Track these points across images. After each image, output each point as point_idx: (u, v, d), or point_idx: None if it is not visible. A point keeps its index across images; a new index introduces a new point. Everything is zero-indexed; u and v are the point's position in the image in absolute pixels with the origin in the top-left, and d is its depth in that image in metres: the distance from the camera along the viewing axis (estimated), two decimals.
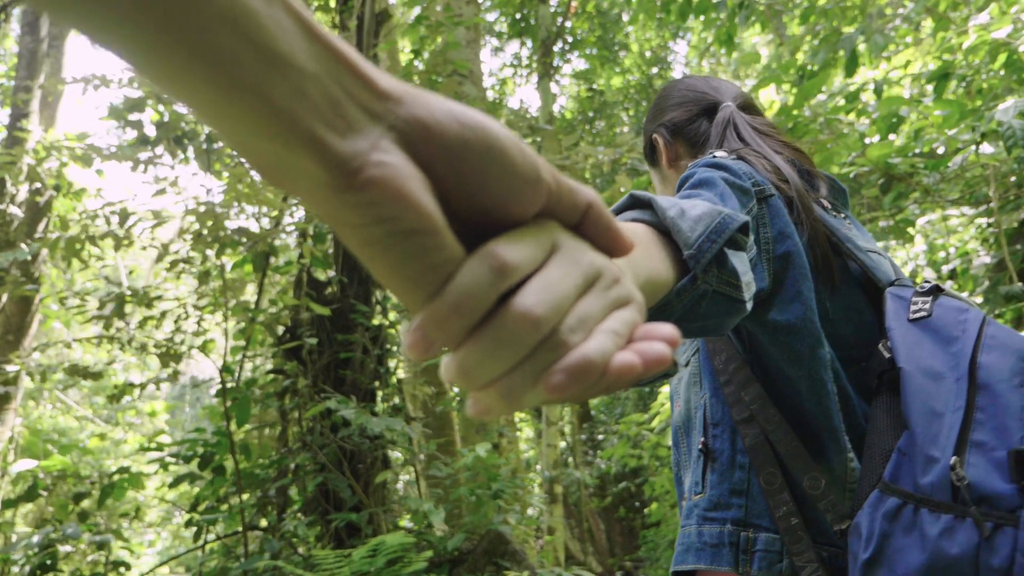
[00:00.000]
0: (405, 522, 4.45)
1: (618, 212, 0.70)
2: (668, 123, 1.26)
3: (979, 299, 4.29)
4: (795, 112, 2.68)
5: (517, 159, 0.36)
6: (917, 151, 3.04)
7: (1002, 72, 3.37)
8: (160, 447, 4.76)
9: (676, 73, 13.52)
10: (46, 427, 8.84)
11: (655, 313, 0.64)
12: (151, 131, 4.69)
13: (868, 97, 3.67)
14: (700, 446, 1.08)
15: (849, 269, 1.06)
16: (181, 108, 5.29)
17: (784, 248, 0.96)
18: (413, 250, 0.33)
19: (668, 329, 0.38)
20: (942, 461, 0.82)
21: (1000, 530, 0.77)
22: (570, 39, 10.78)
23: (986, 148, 2.82)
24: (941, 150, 3.10)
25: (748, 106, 1.24)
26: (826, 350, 0.97)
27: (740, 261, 0.72)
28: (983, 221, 4.00)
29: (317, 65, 0.31)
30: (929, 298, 0.99)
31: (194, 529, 4.64)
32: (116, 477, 4.91)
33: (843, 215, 1.16)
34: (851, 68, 4.06)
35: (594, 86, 11.98)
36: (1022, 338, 0.93)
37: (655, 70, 12.70)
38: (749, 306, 0.73)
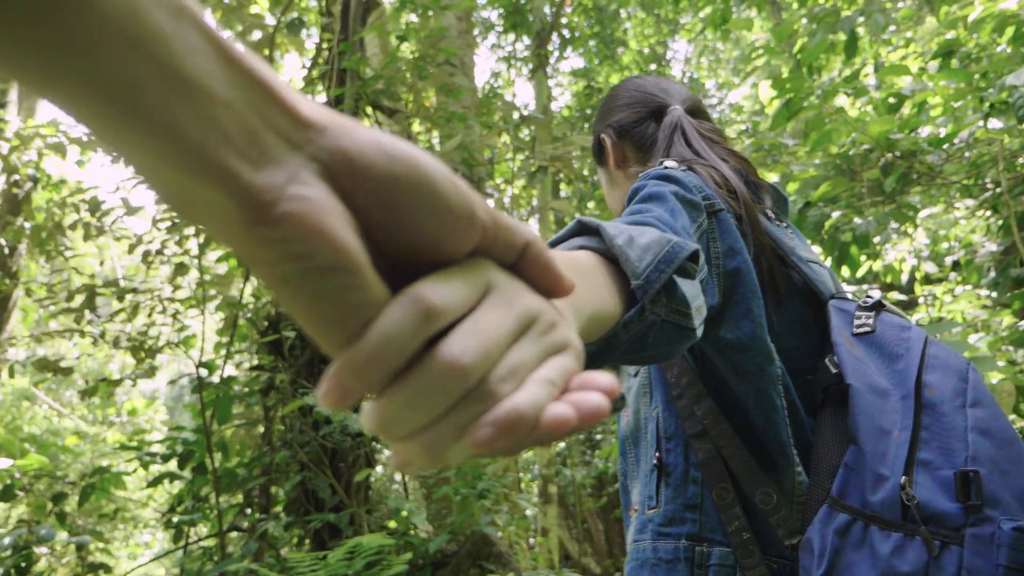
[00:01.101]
0: (393, 523, 4.27)
1: (566, 238, 0.67)
2: (615, 124, 1.24)
3: (984, 291, 4.11)
4: (789, 85, 2.50)
5: (449, 195, 0.33)
6: (921, 131, 2.84)
7: (1008, 49, 3.18)
8: (139, 446, 4.59)
9: (675, 71, 13.37)
10: (41, 427, 8.68)
11: (601, 345, 0.61)
12: None
13: (869, 83, 3.48)
14: (655, 460, 1.06)
15: (793, 281, 1.05)
16: None
17: (734, 264, 0.95)
18: (331, 290, 0.31)
19: (606, 379, 0.36)
20: (891, 479, 0.83)
21: (947, 548, 0.79)
22: (567, 33, 10.61)
23: (994, 124, 2.62)
24: (943, 133, 2.91)
25: (696, 110, 1.21)
26: (776, 366, 0.96)
27: (691, 286, 0.69)
28: (988, 213, 3.81)
29: (231, 91, 0.29)
30: (872, 313, 0.99)
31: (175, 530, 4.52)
32: (96, 477, 4.74)
33: (785, 224, 1.15)
34: (851, 50, 3.87)
35: (592, 83, 11.82)
36: (960, 358, 0.94)
37: (653, 67, 12.54)
38: (700, 332, 0.71)
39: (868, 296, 1.04)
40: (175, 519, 4.18)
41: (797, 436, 0.97)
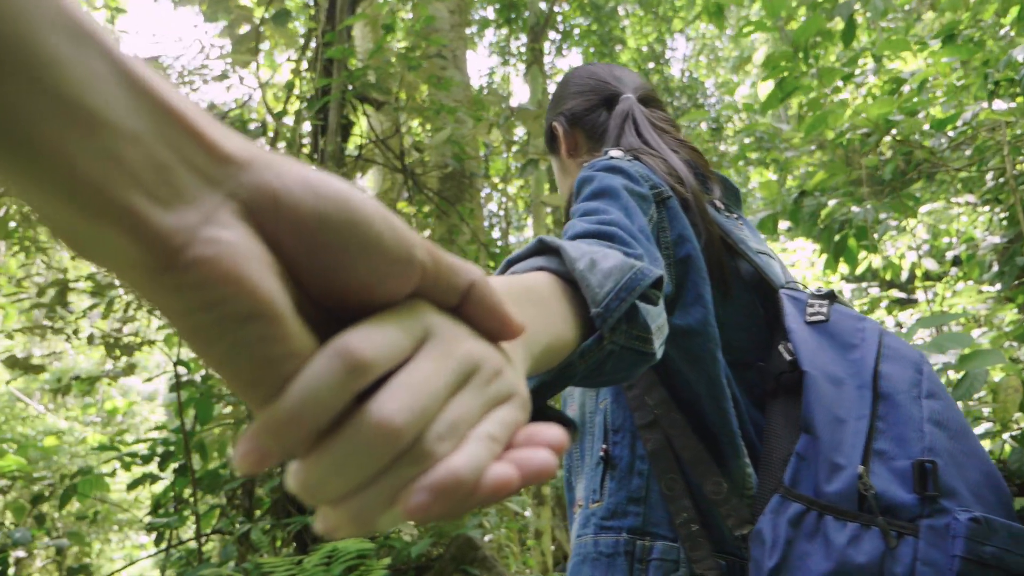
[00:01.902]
0: None
1: (525, 257, 0.63)
2: (567, 112, 1.22)
3: (986, 287, 3.95)
4: (784, 64, 2.35)
5: (384, 236, 0.31)
6: (921, 115, 2.68)
7: (1012, 33, 3.03)
8: (117, 447, 4.46)
9: (675, 70, 13.24)
10: (34, 428, 8.54)
11: (556, 374, 0.58)
12: None
13: (868, 69, 3.33)
14: (601, 453, 1.03)
15: (742, 271, 1.04)
16: None
17: (684, 252, 0.95)
18: (248, 341, 0.28)
19: (554, 433, 0.34)
20: (848, 469, 0.82)
21: (902, 539, 0.78)
22: (562, 28, 10.48)
23: (999, 106, 2.46)
24: (948, 118, 2.75)
25: (648, 99, 1.19)
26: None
27: (653, 309, 0.66)
28: (990, 208, 3.66)
29: (140, 122, 0.26)
30: (826, 302, 0.98)
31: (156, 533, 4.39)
32: (78, 479, 4.61)
33: (735, 215, 1.14)
34: (848, 37, 3.71)
35: None
36: (915, 350, 0.93)
37: (651, 65, 12.41)
38: (660, 353, 0.68)
39: (820, 288, 1.02)
40: (150, 521, 4.02)
41: (741, 428, 0.96)
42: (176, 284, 0.27)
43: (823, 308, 0.98)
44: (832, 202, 2.80)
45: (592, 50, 11.69)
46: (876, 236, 3.04)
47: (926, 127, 2.68)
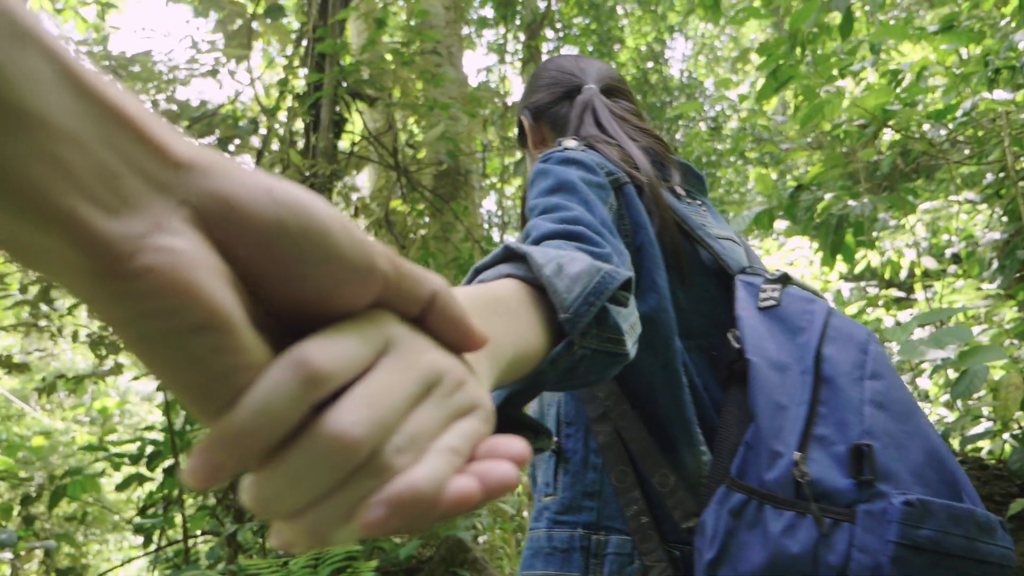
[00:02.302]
0: None
1: (491, 265, 0.62)
2: (531, 106, 1.22)
3: (987, 284, 3.87)
4: (779, 51, 2.27)
5: (344, 244, 0.30)
6: (920, 107, 2.61)
7: (1013, 24, 2.95)
8: (105, 446, 4.39)
9: (674, 69, 13.17)
10: (30, 428, 8.46)
11: (527, 383, 0.57)
12: None
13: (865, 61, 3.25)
14: (553, 445, 0.99)
15: (701, 257, 1.03)
16: (120, 68, 4.93)
17: (639, 238, 0.94)
18: (199, 353, 0.27)
19: (517, 446, 0.33)
20: (786, 456, 0.80)
21: (838, 526, 0.76)
22: (560, 27, 10.41)
23: (1001, 95, 2.39)
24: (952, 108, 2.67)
25: (612, 89, 1.20)
26: (678, 341, 0.94)
27: (624, 311, 0.65)
28: (987, 206, 3.58)
29: (84, 125, 0.25)
30: (778, 286, 0.96)
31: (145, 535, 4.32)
32: (67, 480, 4.54)
33: (699, 202, 1.14)
34: (846, 30, 3.64)
35: None
36: (863, 330, 0.91)
37: (650, 64, 12.35)
38: (633, 351, 0.67)
39: (777, 270, 1.00)
40: (136, 521, 3.94)
41: (700, 415, 0.94)
42: (123, 293, 0.26)
43: (775, 292, 0.95)
44: (828, 196, 2.73)
45: (591, 49, 11.63)
46: (874, 233, 2.97)
47: (925, 127, 2.61)
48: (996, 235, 3.41)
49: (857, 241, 3.27)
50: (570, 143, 1.00)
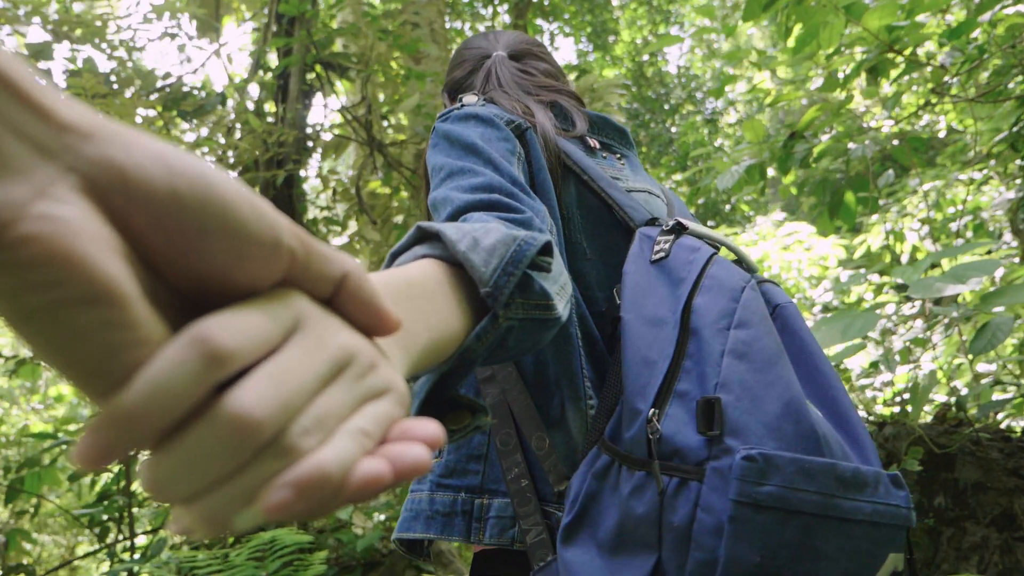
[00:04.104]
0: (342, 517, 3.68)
1: (407, 247, 0.59)
2: (449, 84, 1.22)
3: (999, 255, 3.52)
4: None
5: (247, 218, 0.28)
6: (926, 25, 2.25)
7: None
8: (57, 434, 4.06)
9: (672, 67, 12.88)
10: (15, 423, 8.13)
11: (455, 362, 0.54)
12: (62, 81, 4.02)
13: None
14: (492, 422, 0.94)
15: (609, 208, 0.98)
16: (101, 57, 4.60)
17: (540, 178, 0.93)
18: (88, 327, 0.25)
19: (430, 428, 0.33)
20: (644, 414, 0.77)
21: (685, 486, 0.71)
22: (552, 20, 10.13)
23: None
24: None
25: (522, 53, 1.19)
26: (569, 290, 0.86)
27: (550, 275, 0.63)
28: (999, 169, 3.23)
29: None
30: (671, 237, 0.92)
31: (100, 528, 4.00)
32: (24, 472, 4.23)
33: (618, 155, 1.11)
34: None
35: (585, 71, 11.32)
36: (741, 276, 0.86)
37: (645, 58, 12.05)
38: (566, 313, 0.64)
39: (677, 220, 0.95)
40: (76, 512, 3.61)
41: (597, 370, 0.91)
42: (1, 263, 0.24)
43: (667, 244, 0.90)
44: (825, 137, 2.38)
45: (584, 40, 11.35)
46: (877, 186, 2.62)
47: (942, 59, 2.25)
48: (1010, 195, 3.05)
49: (858, 199, 2.92)
50: (469, 99, 0.99)
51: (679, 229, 0.92)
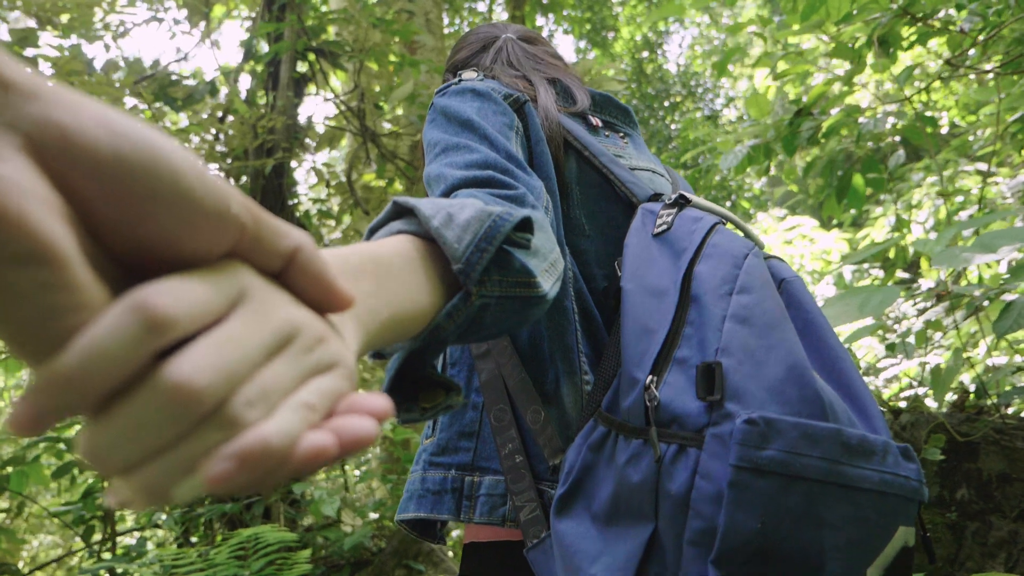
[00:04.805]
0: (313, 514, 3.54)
1: (383, 223, 0.58)
2: (452, 65, 1.19)
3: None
4: None
5: (194, 185, 0.27)
6: None
7: None
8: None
9: (671, 66, 12.77)
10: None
11: (426, 339, 0.53)
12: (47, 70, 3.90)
13: None
14: (463, 400, 0.93)
15: (611, 184, 0.97)
16: (86, 43, 4.48)
17: (539, 151, 0.92)
18: (24, 288, 0.24)
19: (378, 401, 0.32)
20: (642, 382, 0.74)
21: (683, 453, 0.68)
22: (551, 17, 10.03)
23: None
24: None
25: (530, 39, 1.18)
26: (567, 268, 0.90)
27: (540, 242, 0.63)
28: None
29: None
30: (674, 210, 0.90)
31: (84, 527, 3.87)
32: (9, 469, 4.10)
33: (622, 134, 1.09)
34: None
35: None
36: (745, 244, 0.84)
37: (645, 55, 11.94)
38: (553, 291, 0.63)
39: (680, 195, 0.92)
40: (52, 510, 3.48)
41: (593, 346, 0.88)
42: None
43: (669, 217, 0.88)
44: (835, 111, 2.24)
45: (584, 39, 11.24)
46: (888, 165, 2.48)
47: (964, 24, 2.11)
48: None
49: (867, 180, 2.78)
50: (468, 74, 0.97)
51: (682, 202, 0.90)
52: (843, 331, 3.72)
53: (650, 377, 0.73)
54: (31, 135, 0.25)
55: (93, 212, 0.26)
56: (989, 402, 2.03)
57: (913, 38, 2.19)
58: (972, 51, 2.20)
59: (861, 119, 2.27)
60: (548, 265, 0.63)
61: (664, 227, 0.88)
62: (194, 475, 0.27)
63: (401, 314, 0.48)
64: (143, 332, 0.25)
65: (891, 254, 5.22)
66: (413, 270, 0.52)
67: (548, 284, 0.62)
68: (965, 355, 2.69)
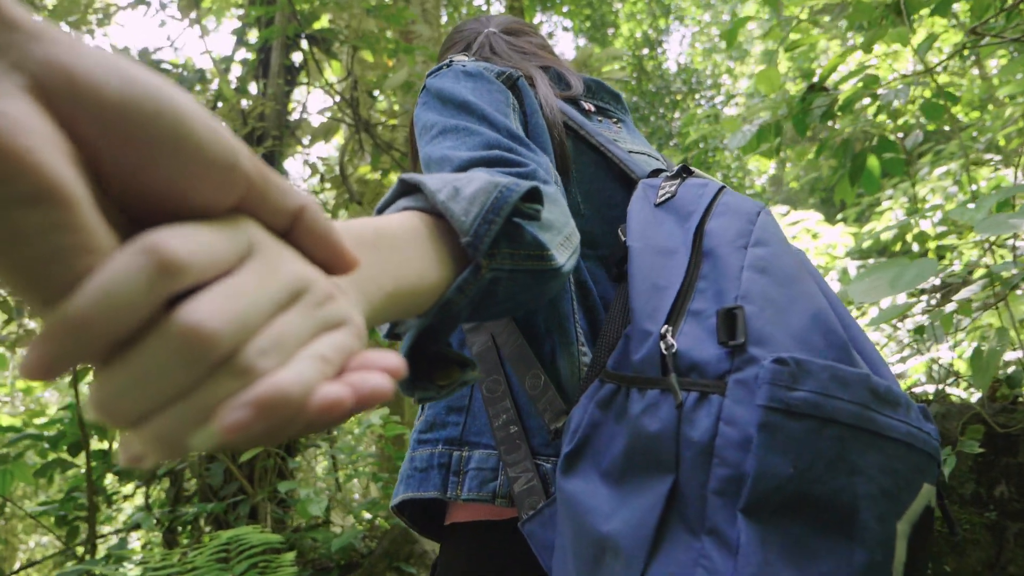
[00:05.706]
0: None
1: (392, 201, 0.57)
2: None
3: None
4: None
5: (202, 135, 0.26)
6: None
7: None
8: (24, 428, 3.77)
9: (671, 65, 12.63)
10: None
11: (437, 315, 0.52)
12: None
13: None
14: (479, 375, 0.87)
15: (608, 164, 0.95)
16: (73, 32, 4.33)
17: (532, 123, 0.91)
18: (31, 228, 0.23)
19: (391, 358, 0.32)
20: (655, 333, 0.70)
21: (705, 399, 0.64)
22: (550, 12, 9.90)
23: None
24: None
25: (514, 30, 1.16)
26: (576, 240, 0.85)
27: (550, 217, 0.62)
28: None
29: None
30: (676, 181, 0.88)
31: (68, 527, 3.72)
32: None
33: (615, 119, 1.09)
34: None
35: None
36: (755, 204, 0.82)
37: (645, 51, 11.80)
38: (570, 264, 0.63)
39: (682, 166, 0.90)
40: (30, 509, 3.32)
41: (590, 320, 0.86)
42: None
43: (672, 187, 0.85)
44: (852, 82, 2.08)
45: (583, 35, 11.11)
46: (907, 144, 2.33)
47: None
48: None
49: (884, 162, 2.62)
50: (458, 57, 0.95)
51: (685, 174, 0.87)
52: (867, 313, 3.56)
53: (665, 327, 0.69)
54: (37, 76, 0.23)
55: (99, 158, 0.25)
56: None
57: (933, 4, 2.03)
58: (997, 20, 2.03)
59: (881, 90, 2.11)
60: (563, 239, 0.62)
61: (668, 196, 0.85)
62: (208, 425, 0.26)
63: (407, 287, 0.47)
64: (154, 275, 0.24)
65: (898, 246, 5.05)
66: (420, 244, 0.50)
67: (563, 257, 0.62)
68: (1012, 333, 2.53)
